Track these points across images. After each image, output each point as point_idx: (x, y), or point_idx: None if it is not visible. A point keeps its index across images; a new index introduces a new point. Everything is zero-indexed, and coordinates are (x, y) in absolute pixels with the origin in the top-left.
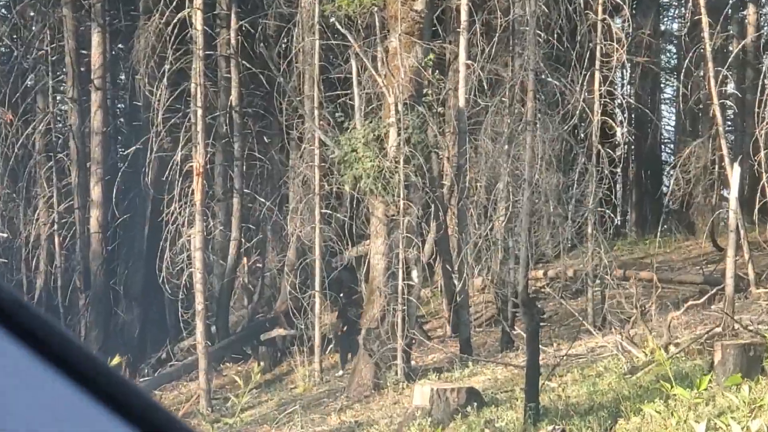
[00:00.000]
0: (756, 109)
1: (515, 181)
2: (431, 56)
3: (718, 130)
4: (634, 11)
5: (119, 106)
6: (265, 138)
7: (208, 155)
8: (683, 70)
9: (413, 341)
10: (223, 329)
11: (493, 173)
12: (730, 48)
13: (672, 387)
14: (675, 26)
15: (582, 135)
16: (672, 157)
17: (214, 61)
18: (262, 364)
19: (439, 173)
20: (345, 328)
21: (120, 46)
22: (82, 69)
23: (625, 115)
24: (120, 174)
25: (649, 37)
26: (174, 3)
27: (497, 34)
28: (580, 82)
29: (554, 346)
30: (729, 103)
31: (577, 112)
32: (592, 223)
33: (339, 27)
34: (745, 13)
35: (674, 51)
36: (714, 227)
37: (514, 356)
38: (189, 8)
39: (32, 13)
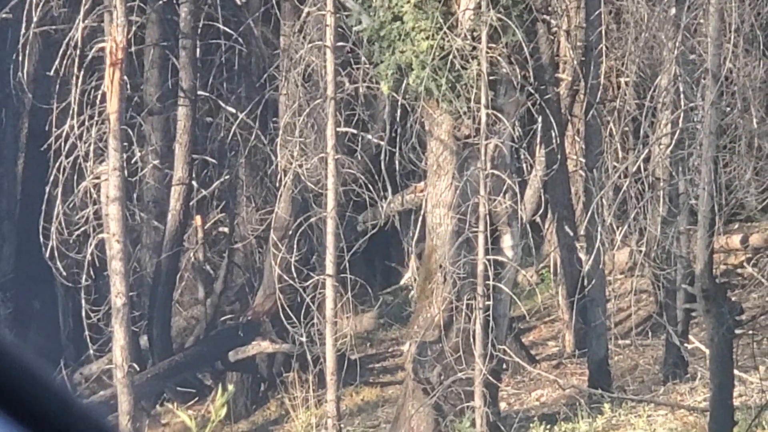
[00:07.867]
0: None
1: (690, 74)
2: None
3: None
4: None
5: None
6: None
7: (133, 29)
8: None
9: (503, 366)
10: (161, 342)
11: (649, 59)
12: None
13: None
14: None
15: None
16: None
17: None
18: (230, 389)
19: (552, 60)
20: None
21: None
22: None
23: None
24: None
25: None
26: None
27: None
28: None
29: (762, 370)
30: None
31: None
32: None
33: None
34: None
35: None
36: None
37: (688, 390)
38: None
39: None
